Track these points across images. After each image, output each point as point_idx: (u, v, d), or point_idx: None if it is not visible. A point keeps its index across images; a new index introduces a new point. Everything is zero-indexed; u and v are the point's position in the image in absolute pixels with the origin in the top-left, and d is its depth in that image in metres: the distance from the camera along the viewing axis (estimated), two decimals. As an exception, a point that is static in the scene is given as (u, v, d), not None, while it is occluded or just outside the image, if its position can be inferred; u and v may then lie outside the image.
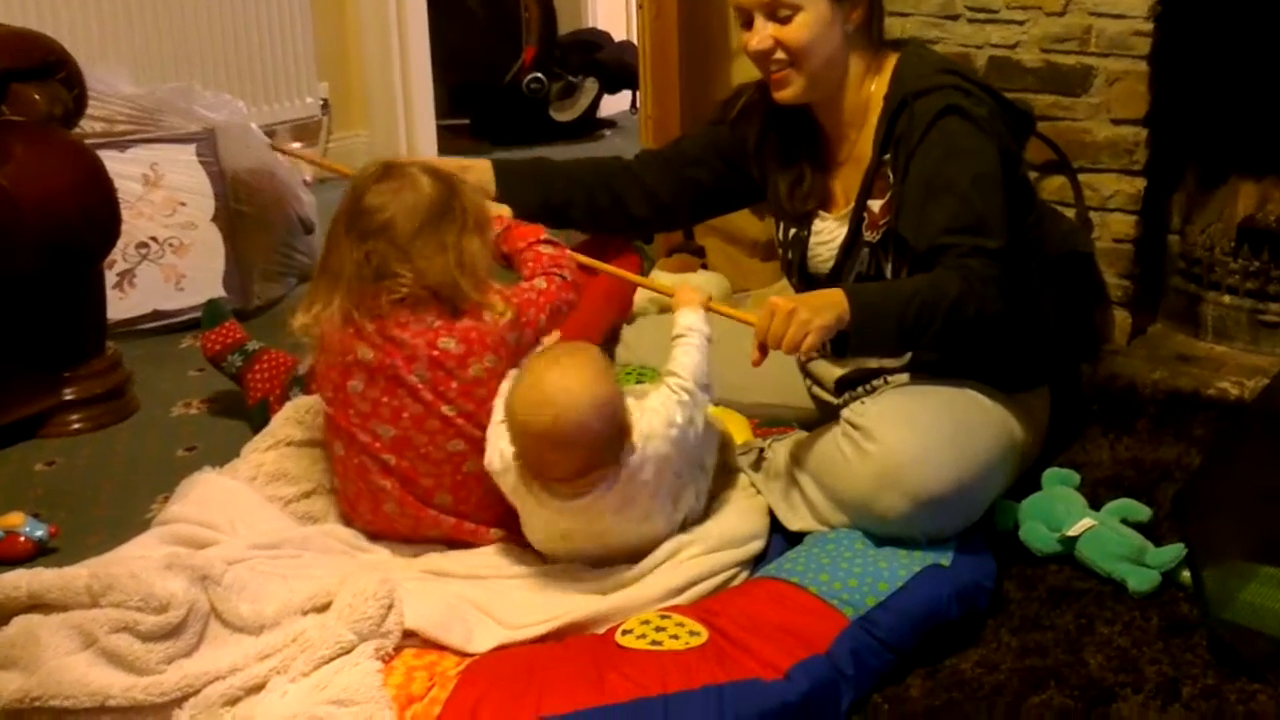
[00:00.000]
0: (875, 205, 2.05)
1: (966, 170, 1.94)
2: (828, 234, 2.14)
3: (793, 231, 2.19)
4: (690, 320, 1.94)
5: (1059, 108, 2.62)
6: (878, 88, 2.07)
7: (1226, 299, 2.64)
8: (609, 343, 2.40)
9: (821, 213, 2.16)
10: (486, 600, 1.79)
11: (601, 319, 2.37)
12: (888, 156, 2.02)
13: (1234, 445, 2.15)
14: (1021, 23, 2.64)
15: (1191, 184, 2.70)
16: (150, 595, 1.61)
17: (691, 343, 1.92)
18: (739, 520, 1.94)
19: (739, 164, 2.27)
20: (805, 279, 2.20)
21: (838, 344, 1.84)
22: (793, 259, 2.21)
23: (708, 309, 1.98)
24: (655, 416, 1.82)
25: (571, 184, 2.32)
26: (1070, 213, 2.60)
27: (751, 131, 2.22)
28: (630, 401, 1.84)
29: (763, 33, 2.02)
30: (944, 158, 1.95)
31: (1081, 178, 2.61)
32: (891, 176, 2.02)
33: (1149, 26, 2.51)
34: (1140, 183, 2.61)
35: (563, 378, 1.74)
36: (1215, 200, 2.66)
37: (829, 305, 1.81)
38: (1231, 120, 2.63)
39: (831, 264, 2.14)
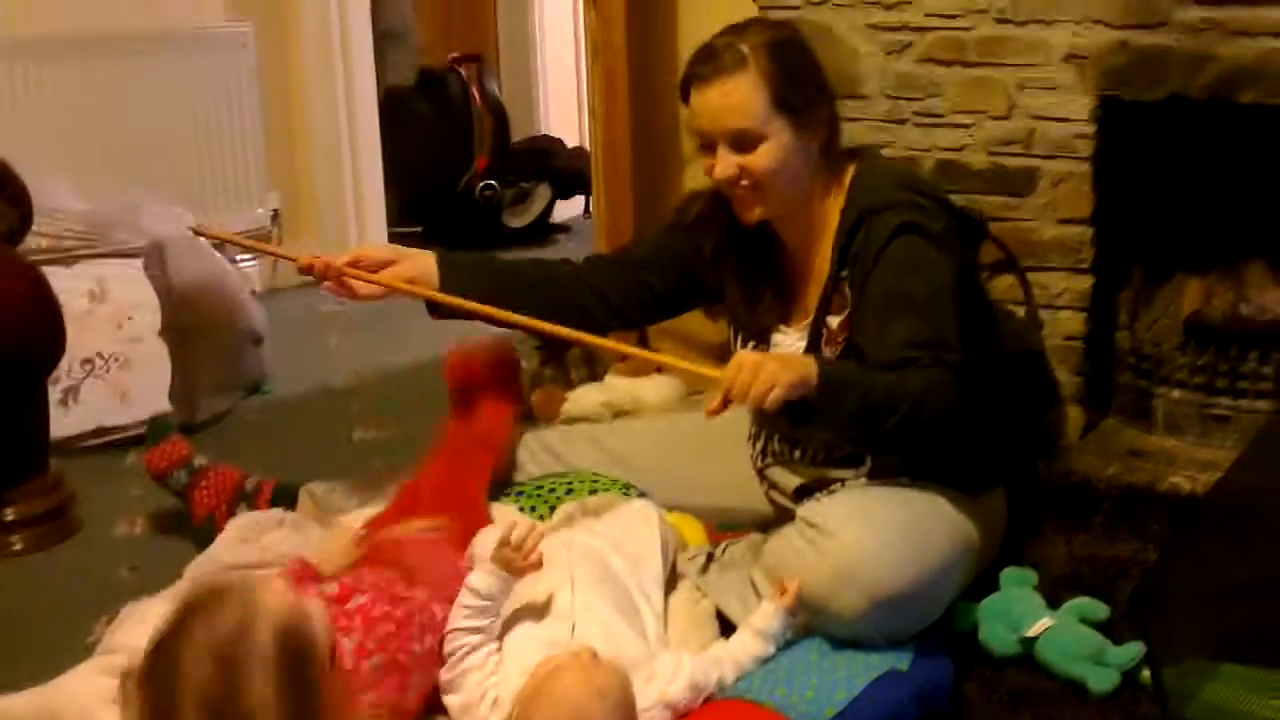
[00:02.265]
0: (834, 321, 2.05)
1: (923, 286, 1.95)
2: (785, 347, 2.13)
3: (750, 345, 2.18)
4: (775, 628, 1.85)
5: (1006, 208, 2.64)
6: (834, 201, 2.08)
7: (1176, 394, 2.64)
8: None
9: (781, 326, 2.16)
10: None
11: (479, 474, 2.23)
12: (845, 273, 2.03)
13: (1189, 541, 2.15)
14: (968, 126, 2.67)
15: (1138, 281, 2.72)
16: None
17: (764, 652, 1.84)
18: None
19: (693, 270, 2.26)
20: None
21: (797, 414, 1.82)
22: None
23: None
24: (680, 689, 1.74)
25: (518, 280, 2.28)
26: (1020, 311, 2.62)
27: (707, 242, 2.22)
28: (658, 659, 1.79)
29: (726, 160, 2.01)
30: (901, 274, 1.95)
31: (1030, 276, 2.62)
32: (849, 293, 2.02)
33: (1091, 129, 2.55)
34: (1088, 281, 2.63)
35: None
36: (1161, 296, 2.69)
37: (798, 365, 1.82)
38: (1175, 218, 2.66)
39: None
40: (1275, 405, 2.53)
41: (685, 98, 2.06)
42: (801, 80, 2.02)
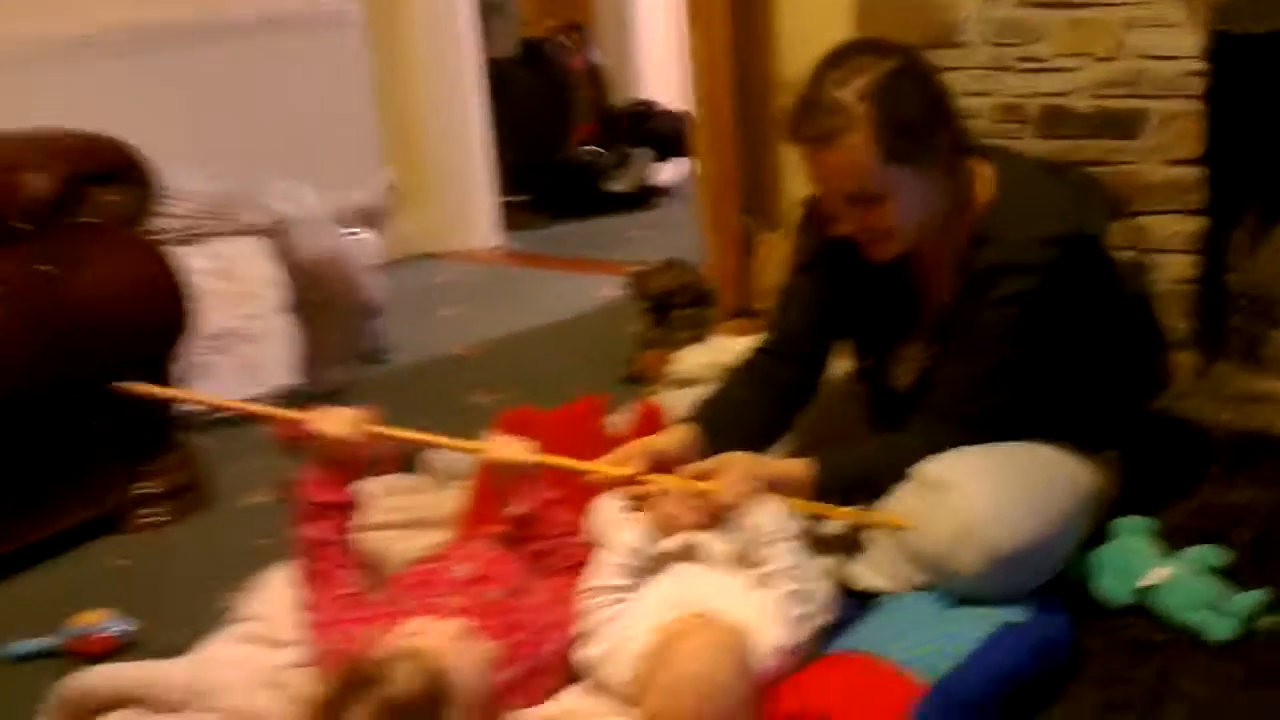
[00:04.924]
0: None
1: (989, 360, 1.96)
2: (909, 360, 2.11)
3: (870, 360, 2.18)
4: (774, 524, 1.82)
5: (1114, 151, 2.59)
6: (964, 218, 1.97)
7: (1290, 336, 2.59)
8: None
9: (901, 346, 2.13)
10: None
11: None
12: (955, 310, 2.00)
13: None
14: (1073, 70, 2.62)
15: (1249, 222, 2.66)
16: (242, 713, 1.65)
17: (784, 544, 1.81)
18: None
19: (835, 297, 2.17)
20: (885, 397, 2.18)
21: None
22: (872, 384, 2.21)
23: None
24: (772, 644, 1.72)
25: (758, 412, 2.15)
26: (1126, 255, 2.57)
27: (835, 269, 2.11)
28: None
29: (849, 218, 1.92)
30: (985, 339, 1.95)
31: (1140, 220, 2.58)
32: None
33: (1201, 66, 2.49)
34: (1198, 222, 2.57)
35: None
36: (1273, 237, 2.62)
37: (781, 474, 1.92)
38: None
39: (913, 381, 2.11)
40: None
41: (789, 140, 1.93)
42: (917, 120, 1.87)
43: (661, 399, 2.49)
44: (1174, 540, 2.04)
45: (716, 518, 1.86)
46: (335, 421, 1.89)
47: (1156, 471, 2.27)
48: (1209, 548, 2.00)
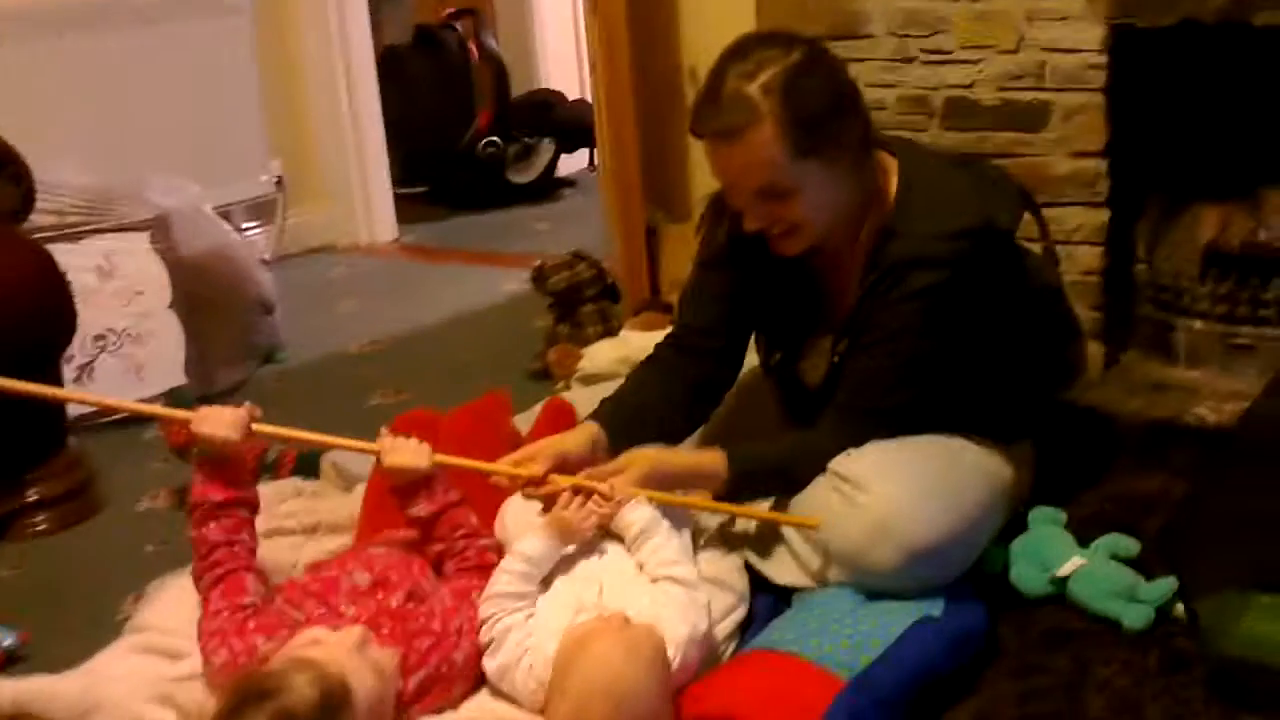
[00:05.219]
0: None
1: (903, 353, 1.93)
2: (818, 355, 2.09)
3: (779, 355, 2.15)
4: (642, 517, 1.81)
5: (1019, 144, 2.61)
6: (872, 214, 1.96)
7: (1197, 324, 2.62)
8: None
9: (811, 340, 2.10)
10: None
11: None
12: (865, 304, 1.97)
13: (1219, 472, 2.14)
14: (976, 62, 2.64)
15: (1154, 213, 2.70)
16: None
17: (660, 537, 1.80)
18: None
19: (742, 291, 2.13)
20: (795, 392, 2.16)
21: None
22: (782, 379, 2.18)
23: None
24: (679, 637, 1.69)
25: (665, 409, 2.10)
26: (1037, 248, 2.59)
27: (741, 264, 2.08)
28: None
29: (757, 212, 1.89)
30: (900, 334, 1.92)
31: (1045, 212, 2.60)
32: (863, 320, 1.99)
33: (1103, 59, 2.52)
34: (1104, 214, 2.61)
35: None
36: (1179, 227, 2.66)
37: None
38: (1191, 146, 2.63)
39: (822, 376, 2.07)
40: (1298, 332, 2.51)
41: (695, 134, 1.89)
42: (824, 113, 1.83)
43: (571, 395, 2.45)
44: (1085, 529, 2.06)
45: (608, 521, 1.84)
46: (217, 422, 1.83)
47: (1068, 461, 2.30)
48: (1120, 536, 2.02)
